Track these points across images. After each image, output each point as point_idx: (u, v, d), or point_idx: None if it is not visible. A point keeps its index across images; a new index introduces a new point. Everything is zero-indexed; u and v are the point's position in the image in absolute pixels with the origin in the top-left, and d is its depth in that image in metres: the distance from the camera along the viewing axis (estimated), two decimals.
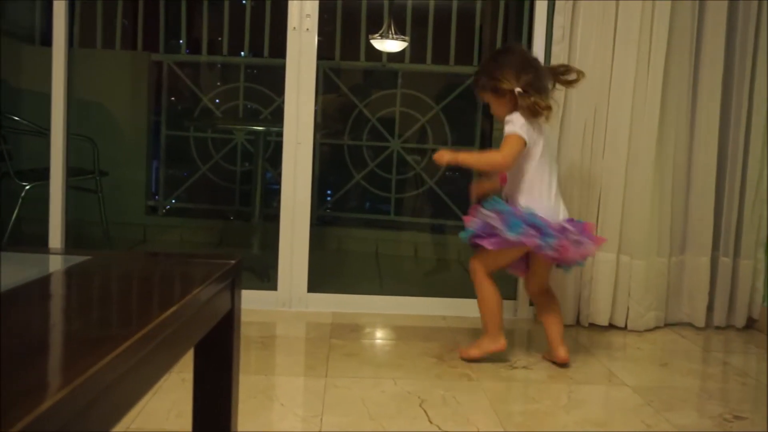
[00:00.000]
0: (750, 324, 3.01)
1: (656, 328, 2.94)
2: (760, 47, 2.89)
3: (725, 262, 2.96)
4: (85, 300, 1.06)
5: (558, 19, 2.84)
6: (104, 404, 0.73)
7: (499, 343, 2.41)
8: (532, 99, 2.29)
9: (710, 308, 2.98)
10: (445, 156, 2.36)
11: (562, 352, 2.41)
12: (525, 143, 2.30)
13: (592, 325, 2.90)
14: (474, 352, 2.43)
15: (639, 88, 2.81)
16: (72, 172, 3.13)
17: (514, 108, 2.34)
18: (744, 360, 2.68)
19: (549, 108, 2.31)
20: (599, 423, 1.97)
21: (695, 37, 2.86)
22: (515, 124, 2.30)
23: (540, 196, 2.35)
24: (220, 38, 4.76)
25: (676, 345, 2.78)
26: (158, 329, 0.90)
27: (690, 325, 2.99)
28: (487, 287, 2.41)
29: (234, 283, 1.31)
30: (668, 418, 2.00)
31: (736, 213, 2.96)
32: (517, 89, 2.31)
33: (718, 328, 2.99)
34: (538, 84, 2.32)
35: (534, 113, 2.30)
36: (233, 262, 1.31)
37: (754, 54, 2.90)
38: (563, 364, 2.42)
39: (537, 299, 2.57)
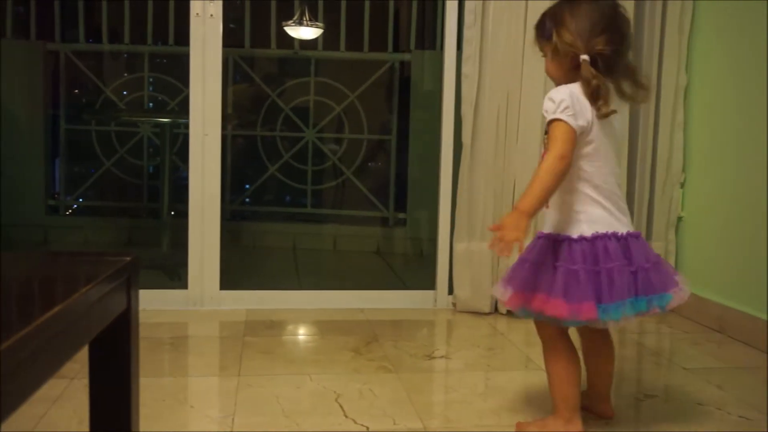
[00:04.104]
0: None
1: None
2: (667, 34, 2.95)
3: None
4: None
5: (469, 5, 2.82)
6: None
7: (573, 426, 1.73)
8: (595, 81, 1.66)
9: None
10: (512, 233, 1.58)
11: (608, 409, 1.89)
12: (574, 130, 1.65)
13: (510, 313, 2.90)
14: (533, 429, 1.79)
15: None
16: None
17: (575, 75, 1.70)
18: (657, 340, 2.73)
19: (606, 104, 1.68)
20: (516, 409, 1.96)
21: None
22: (555, 102, 1.65)
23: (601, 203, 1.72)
24: (122, 25, 4.57)
25: None
26: (38, 331, 0.86)
27: None
28: (555, 352, 1.76)
29: (129, 281, 1.25)
30: (583, 401, 2.00)
31: (647, 195, 3.01)
32: (584, 56, 1.67)
33: None
34: (614, 60, 1.69)
35: (593, 95, 1.67)
36: (128, 259, 1.26)
37: (661, 46, 2.96)
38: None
39: (586, 337, 1.85)
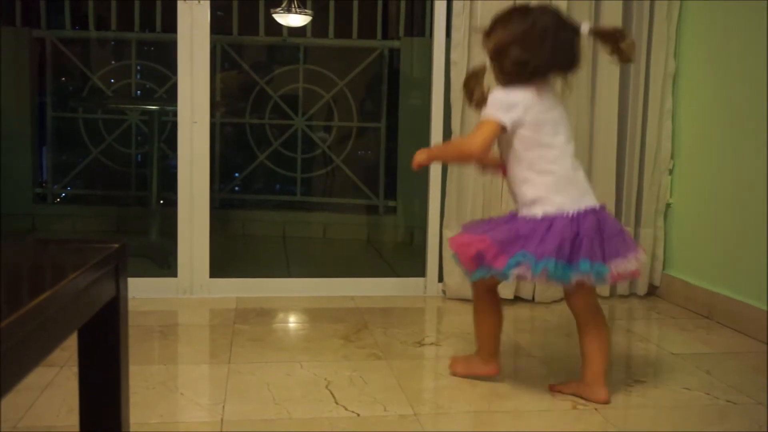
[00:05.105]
0: (651, 291, 3.09)
1: (562, 299, 2.94)
2: (655, 21, 2.95)
3: (627, 231, 3.01)
4: None
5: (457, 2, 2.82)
6: None
7: (489, 368, 2.03)
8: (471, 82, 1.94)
9: None
10: (419, 157, 1.97)
11: (602, 393, 1.90)
12: (501, 127, 1.84)
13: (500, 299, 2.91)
14: (461, 370, 2.08)
15: None
16: None
17: (505, 77, 1.90)
18: (646, 326, 2.74)
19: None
20: (505, 395, 1.96)
21: (593, 7, 2.89)
22: (492, 102, 1.86)
23: (550, 183, 1.87)
24: (109, 12, 4.53)
25: None
26: (26, 318, 0.86)
27: None
28: (480, 305, 2.05)
29: (118, 268, 1.25)
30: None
31: (636, 183, 3.02)
32: (485, 64, 1.93)
33: (621, 296, 3.05)
34: (524, 70, 1.84)
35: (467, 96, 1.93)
36: (116, 246, 1.25)
37: (649, 33, 2.96)
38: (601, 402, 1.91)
39: (579, 315, 1.97)
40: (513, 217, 1.91)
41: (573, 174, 1.89)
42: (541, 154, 1.87)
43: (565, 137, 1.91)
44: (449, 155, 2.07)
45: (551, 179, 1.86)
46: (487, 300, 2.04)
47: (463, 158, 2.01)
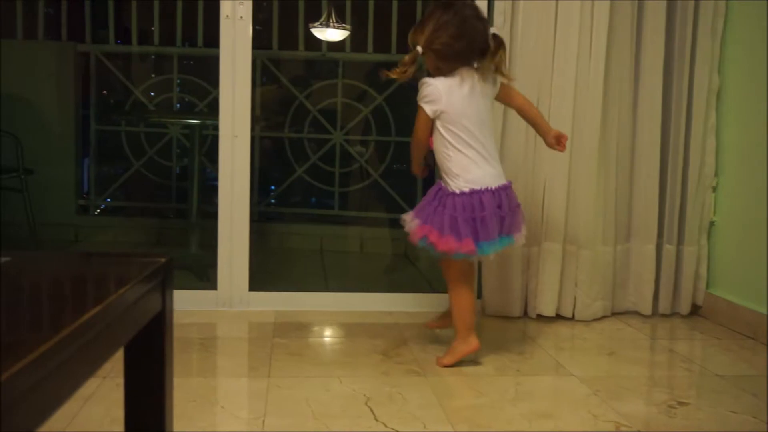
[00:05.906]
0: (694, 310, 3.03)
1: (603, 317, 2.94)
2: (699, 36, 2.90)
3: (669, 249, 2.97)
4: (1, 302, 1.01)
5: (498, 6, 2.81)
6: (20, 410, 0.70)
7: (470, 344, 2.27)
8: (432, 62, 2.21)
9: (656, 296, 2.99)
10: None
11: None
12: (428, 116, 2.21)
13: (540, 317, 2.89)
14: (447, 360, 2.29)
15: (581, 75, 2.80)
16: None
17: (438, 68, 2.23)
18: (689, 346, 2.69)
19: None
20: (546, 414, 1.94)
21: (635, 23, 2.87)
22: (421, 93, 2.22)
23: (470, 164, 2.22)
24: (152, 27, 4.61)
25: (622, 334, 2.78)
26: (78, 333, 0.86)
27: (636, 313, 3.00)
28: (457, 287, 2.30)
29: (164, 282, 1.26)
30: (614, 407, 1.99)
31: (679, 200, 2.97)
32: (419, 47, 2.17)
33: (663, 315, 3.00)
34: (448, 53, 2.18)
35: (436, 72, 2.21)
36: (163, 260, 1.26)
37: (693, 48, 2.92)
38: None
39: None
40: (444, 194, 2.23)
41: (488, 154, 2.23)
42: (459, 135, 2.19)
43: (481, 121, 2.22)
44: (413, 151, 2.38)
45: (470, 156, 2.20)
46: (463, 279, 2.30)
47: (418, 146, 2.33)
